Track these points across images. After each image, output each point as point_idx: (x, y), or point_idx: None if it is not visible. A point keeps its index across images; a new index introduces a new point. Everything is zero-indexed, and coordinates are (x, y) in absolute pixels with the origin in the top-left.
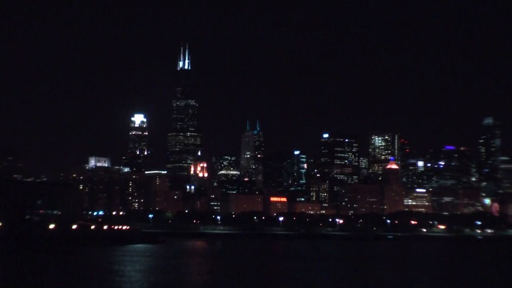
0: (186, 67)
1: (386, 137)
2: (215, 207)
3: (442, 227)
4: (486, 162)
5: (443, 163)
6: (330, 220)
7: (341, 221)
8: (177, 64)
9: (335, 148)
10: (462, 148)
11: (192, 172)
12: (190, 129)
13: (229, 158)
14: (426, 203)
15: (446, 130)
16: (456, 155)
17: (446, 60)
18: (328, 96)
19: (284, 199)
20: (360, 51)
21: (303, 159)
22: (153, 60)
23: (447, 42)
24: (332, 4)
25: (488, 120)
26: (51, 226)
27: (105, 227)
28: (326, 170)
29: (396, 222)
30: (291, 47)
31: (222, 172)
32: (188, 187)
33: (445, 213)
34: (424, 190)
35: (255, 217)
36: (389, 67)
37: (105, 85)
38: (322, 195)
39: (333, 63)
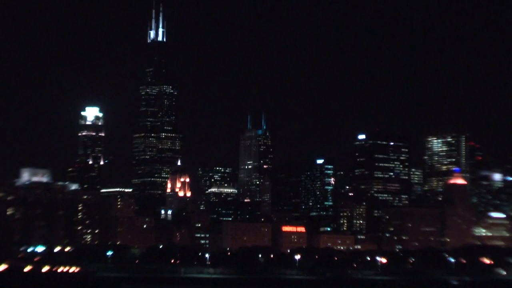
0: (159, 38)
1: (449, 139)
2: (202, 241)
3: None
4: None
5: None
6: (369, 259)
7: (384, 260)
8: (147, 34)
9: (376, 155)
10: None
11: (168, 190)
12: (165, 127)
13: (223, 170)
14: (506, 234)
15: None
16: None
17: None
18: (364, 82)
19: (301, 229)
20: (413, 28)
21: (329, 172)
22: (113, 29)
23: None
24: None
25: None
26: None
27: (45, 269)
28: (363, 186)
29: (464, 261)
30: (312, 17)
31: (213, 190)
32: (163, 212)
33: None
34: (504, 216)
35: (260, 255)
36: (451, 47)
37: (44, 66)
38: (356, 223)
39: (371, 38)
